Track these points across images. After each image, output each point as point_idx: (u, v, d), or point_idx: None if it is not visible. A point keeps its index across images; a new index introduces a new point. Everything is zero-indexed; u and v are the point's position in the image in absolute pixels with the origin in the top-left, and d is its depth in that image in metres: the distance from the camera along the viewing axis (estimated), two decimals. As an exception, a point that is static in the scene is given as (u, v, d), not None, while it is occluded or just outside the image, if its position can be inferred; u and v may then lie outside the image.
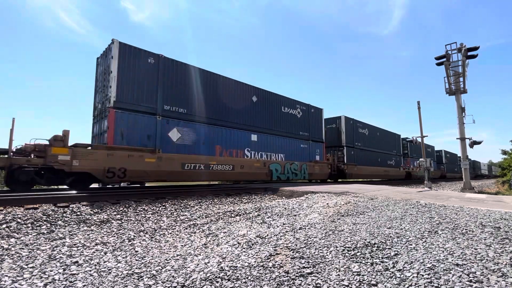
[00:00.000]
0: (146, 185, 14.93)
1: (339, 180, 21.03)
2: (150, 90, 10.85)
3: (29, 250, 3.39)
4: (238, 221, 5.04)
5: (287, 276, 2.44)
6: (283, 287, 2.28)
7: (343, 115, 21.75)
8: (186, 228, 4.60)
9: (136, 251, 3.39)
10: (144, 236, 4.16)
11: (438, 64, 19.30)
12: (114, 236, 4.10)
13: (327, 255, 2.96)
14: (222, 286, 2.31)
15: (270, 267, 2.65)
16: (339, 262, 2.76)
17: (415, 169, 32.99)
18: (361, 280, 2.35)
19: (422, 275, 2.39)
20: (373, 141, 25.46)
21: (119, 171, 9.41)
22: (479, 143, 19.03)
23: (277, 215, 5.41)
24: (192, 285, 2.34)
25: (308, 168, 17.33)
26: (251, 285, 2.32)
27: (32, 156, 8.41)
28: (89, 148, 9.27)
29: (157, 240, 3.93)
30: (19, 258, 3.12)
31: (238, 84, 14.18)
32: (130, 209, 6.17)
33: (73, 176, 8.95)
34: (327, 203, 6.51)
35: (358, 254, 2.98)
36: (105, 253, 3.34)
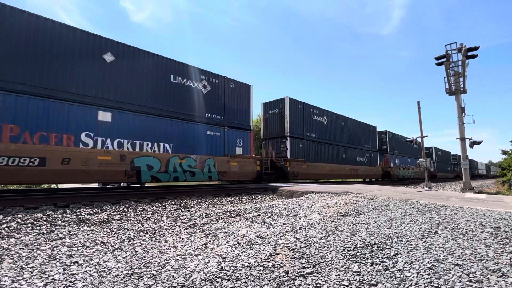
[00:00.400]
0: (146, 185, 14.94)
1: (281, 181, 15.76)
2: None
3: (29, 250, 3.39)
4: (238, 221, 5.04)
5: (287, 276, 2.44)
6: (283, 287, 2.28)
7: (288, 96, 16.90)
8: (186, 228, 4.60)
9: (136, 251, 3.39)
10: (144, 236, 4.16)
11: (438, 64, 19.32)
12: (114, 236, 4.10)
13: (327, 255, 2.96)
14: (222, 286, 2.31)
15: (270, 267, 2.65)
16: (339, 262, 2.76)
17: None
18: (361, 280, 2.35)
19: (422, 275, 2.39)
20: (335, 132, 20.43)
21: None
22: (479, 143, 19.06)
23: (277, 215, 5.42)
24: (192, 285, 2.34)
25: (218, 164, 12.17)
26: (251, 285, 2.32)
27: None
28: None
29: (157, 240, 3.93)
30: (19, 258, 3.12)
31: (70, 29, 8.86)
32: (130, 209, 6.17)
33: None
34: (327, 203, 6.52)
35: (358, 254, 2.98)
36: (105, 253, 3.34)
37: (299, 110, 17.67)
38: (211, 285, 2.32)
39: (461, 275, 2.38)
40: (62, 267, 2.83)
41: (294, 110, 17.20)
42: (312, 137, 18.39)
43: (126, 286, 2.37)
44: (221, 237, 3.93)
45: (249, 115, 14.26)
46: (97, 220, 5.08)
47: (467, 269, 2.51)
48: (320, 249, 3.13)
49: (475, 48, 18.00)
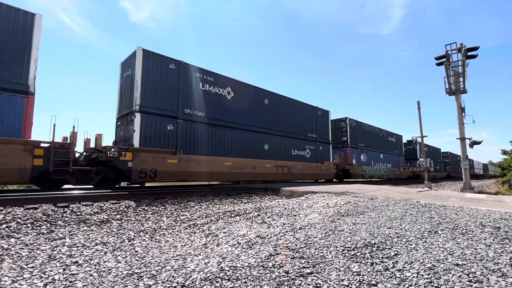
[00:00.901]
0: (146, 185, 14.93)
1: (118, 186, 10.38)
2: None
3: (29, 250, 3.39)
4: (238, 221, 5.04)
5: (287, 276, 2.44)
6: (283, 287, 2.28)
7: (141, 46, 10.20)
8: (186, 228, 4.60)
9: (136, 251, 3.39)
10: (144, 236, 4.16)
11: (438, 64, 19.32)
12: (114, 236, 4.10)
13: (327, 255, 2.96)
14: (222, 286, 2.31)
15: (270, 267, 2.65)
16: (339, 262, 2.76)
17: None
18: (361, 280, 2.35)
19: (422, 275, 2.39)
20: (249, 113, 14.00)
21: None
22: (479, 143, 19.05)
23: (277, 215, 5.41)
24: (192, 285, 2.34)
25: None
26: (251, 285, 2.32)
27: None
28: None
29: (157, 240, 3.93)
30: (19, 258, 3.12)
31: None
32: (130, 209, 6.17)
33: None
34: (327, 203, 6.51)
35: (358, 254, 2.98)
36: (105, 253, 3.34)
37: (169, 72, 11.04)
38: (211, 285, 2.32)
39: (461, 275, 2.38)
40: (62, 267, 2.83)
41: (156, 71, 10.62)
42: (200, 117, 11.82)
43: (126, 286, 2.37)
44: (221, 237, 3.93)
45: (26, 68, 8.07)
46: (97, 220, 5.08)
47: (467, 269, 2.51)
48: (320, 249, 3.13)
49: (475, 48, 18.00)
